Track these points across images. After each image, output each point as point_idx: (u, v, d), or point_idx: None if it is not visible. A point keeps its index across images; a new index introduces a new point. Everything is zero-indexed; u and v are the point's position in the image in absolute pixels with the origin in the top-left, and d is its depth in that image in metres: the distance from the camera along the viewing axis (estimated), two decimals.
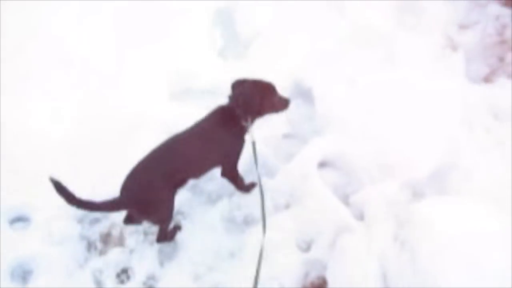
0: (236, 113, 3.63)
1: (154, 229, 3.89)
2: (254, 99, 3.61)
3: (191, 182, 3.98)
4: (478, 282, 3.00)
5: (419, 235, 3.29)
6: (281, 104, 3.78)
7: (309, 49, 4.83)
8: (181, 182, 3.69)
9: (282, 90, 4.48)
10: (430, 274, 3.12)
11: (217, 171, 3.90)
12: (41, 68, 4.69)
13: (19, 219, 4.06)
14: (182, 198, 4.02)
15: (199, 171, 3.78)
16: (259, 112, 3.70)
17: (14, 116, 4.42)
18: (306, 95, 4.63)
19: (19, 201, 4.07)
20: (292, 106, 4.46)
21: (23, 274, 3.80)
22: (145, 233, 3.96)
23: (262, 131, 4.33)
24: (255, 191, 3.90)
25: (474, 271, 3.03)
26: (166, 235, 3.82)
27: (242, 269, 3.66)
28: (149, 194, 3.48)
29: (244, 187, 4.01)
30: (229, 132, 3.68)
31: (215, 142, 3.67)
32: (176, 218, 3.97)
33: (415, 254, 3.22)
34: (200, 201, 4.11)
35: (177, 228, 3.90)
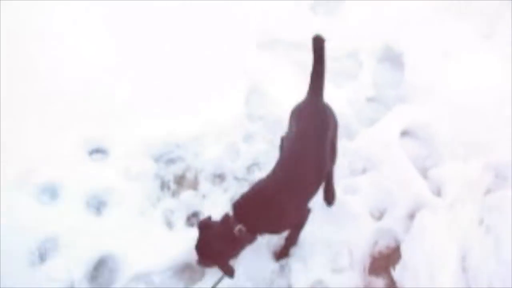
0: None
1: (230, 176, 3.95)
2: None
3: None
4: None
5: (507, 223, 3.16)
6: None
7: (405, 14, 4.64)
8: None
9: (371, 53, 4.40)
10: None
11: None
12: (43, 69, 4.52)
13: (98, 151, 4.11)
14: (258, 149, 4.02)
15: None
16: None
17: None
18: (396, 61, 4.49)
19: (99, 133, 4.13)
20: (379, 69, 4.39)
21: (98, 205, 3.85)
22: (221, 179, 3.96)
23: (346, 92, 4.28)
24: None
25: None
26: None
27: None
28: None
29: None
30: None
31: None
32: (251, 169, 3.97)
33: (500, 243, 3.10)
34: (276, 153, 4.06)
35: None
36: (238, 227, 3.07)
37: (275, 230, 3.30)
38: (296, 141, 3.26)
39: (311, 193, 3.27)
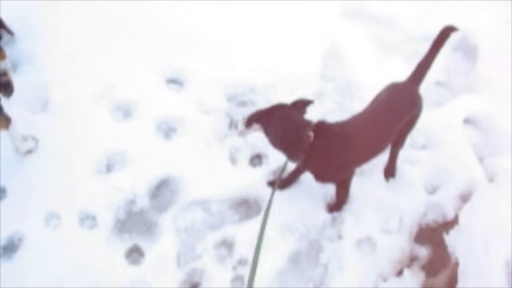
0: None
1: None
2: None
3: None
4: None
5: None
6: None
7: (487, 9, 4.75)
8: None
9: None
10: None
11: None
12: None
13: (175, 81, 4.31)
14: (327, 108, 4.17)
15: None
16: None
17: None
18: (470, 51, 4.61)
19: (180, 65, 4.33)
20: (452, 57, 4.52)
21: (167, 130, 4.06)
22: None
23: None
24: None
25: None
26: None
27: None
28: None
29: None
30: None
31: None
32: None
33: None
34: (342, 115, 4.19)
35: None
36: (310, 133, 3.12)
37: (323, 167, 3.36)
38: (372, 110, 3.41)
39: (362, 158, 3.46)
